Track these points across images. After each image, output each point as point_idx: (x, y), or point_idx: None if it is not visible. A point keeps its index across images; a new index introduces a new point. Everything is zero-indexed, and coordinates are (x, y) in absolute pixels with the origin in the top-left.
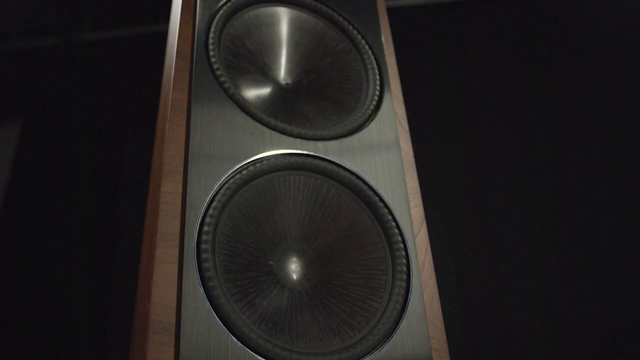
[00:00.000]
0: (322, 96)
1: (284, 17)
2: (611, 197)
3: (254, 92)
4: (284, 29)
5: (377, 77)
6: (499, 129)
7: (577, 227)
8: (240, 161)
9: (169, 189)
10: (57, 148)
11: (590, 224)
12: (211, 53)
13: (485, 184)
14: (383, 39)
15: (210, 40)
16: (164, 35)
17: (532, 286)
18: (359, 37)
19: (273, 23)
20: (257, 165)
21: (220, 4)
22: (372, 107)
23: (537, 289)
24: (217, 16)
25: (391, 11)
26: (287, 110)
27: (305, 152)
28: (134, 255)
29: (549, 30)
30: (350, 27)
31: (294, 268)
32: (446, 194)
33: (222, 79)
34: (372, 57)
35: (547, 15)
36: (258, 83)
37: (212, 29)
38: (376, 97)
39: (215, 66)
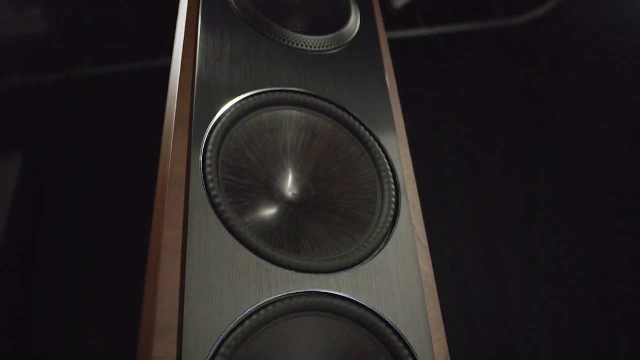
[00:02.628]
0: (332, 209)
1: (288, 121)
2: (614, 208)
3: (257, 214)
4: (289, 133)
5: (393, 186)
6: (505, 160)
7: (585, 257)
8: (242, 310)
9: (161, 352)
10: (58, 183)
11: (597, 249)
12: (209, 177)
13: (489, 207)
14: (398, 139)
15: (208, 162)
16: (165, 70)
17: (543, 327)
18: (372, 139)
19: (277, 128)
20: (262, 312)
21: (219, 115)
22: (387, 224)
23: (549, 336)
24: (215, 131)
25: (394, 43)
26: (293, 233)
27: (315, 290)
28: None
29: (553, 60)
30: (362, 128)
31: None
32: (449, 211)
33: (222, 208)
34: (387, 163)
35: (553, 47)
36: (261, 201)
37: (210, 147)
38: (392, 212)
39: (214, 193)
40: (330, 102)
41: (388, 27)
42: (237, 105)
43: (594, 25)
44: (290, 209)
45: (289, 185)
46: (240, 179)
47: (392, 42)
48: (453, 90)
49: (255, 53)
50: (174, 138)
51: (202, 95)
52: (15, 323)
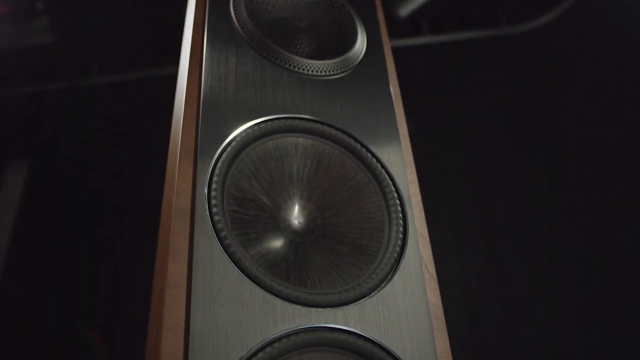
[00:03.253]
0: (338, 239)
1: (294, 148)
2: (617, 214)
3: (263, 245)
4: (295, 161)
5: (400, 215)
6: (509, 169)
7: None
8: (248, 348)
9: None
10: (62, 190)
11: (600, 255)
12: (214, 210)
13: (493, 214)
14: (405, 165)
15: (213, 194)
16: (170, 78)
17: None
18: (379, 166)
19: (282, 156)
20: (267, 350)
21: (224, 145)
22: (395, 254)
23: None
24: (220, 162)
25: (399, 50)
26: (300, 264)
27: (322, 325)
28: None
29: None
30: (369, 155)
31: None
32: (452, 217)
33: (227, 242)
34: (394, 191)
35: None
36: (267, 232)
37: (215, 178)
38: (399, 242)
39: (219, 226)
40: (336, 129)
41: (393, 35)
42: (242, 134)
43: (597, 33)
44: (296, 238)
45: (295, 213)
46: (245, 210)
47: (397, 50)
48: (457, 97)
49: (260, 79)
50: (178, 169)
51: (206, 125)
52: (17, 324)
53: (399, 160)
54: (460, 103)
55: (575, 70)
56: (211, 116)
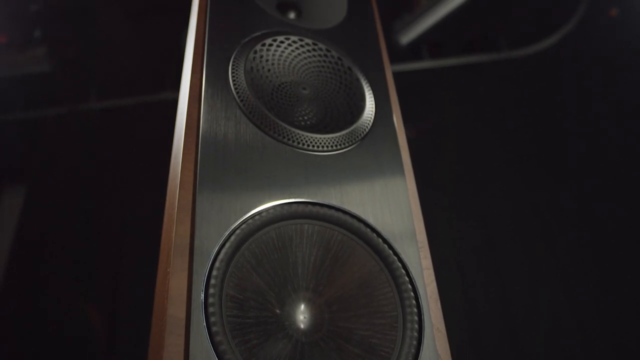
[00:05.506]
0: (347, 337)
1: (299, 236)
2: (617, 225)
3: (266, 353)
4: (299, 250)
5: (415, 309)
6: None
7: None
8: None
9: None
10: (60, 216)
11: (602, 269)
12: (211, 320)
13: (495, 228)
14: (419, 249)
15: (210, 300)
16: (169, 103)
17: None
18: (391, 254)
19: (286, 246)
20: None
21: (222, 240)
22: (410, 356)
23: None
24: (218, 261)
25: (398, 75)
26: None
27: None
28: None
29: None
30: (380, 240)
31: None
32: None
33: (227, 356)
34: (408, 282)
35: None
36: (270, 334)
37: (212, 281)
38: (415, 342)
39: (217, 339)
40: (344, 212)
41: (393, 60)
42: (243, 226)
43: (597, 56)
44: (301, 337)
45: (301, 308)
46: (246, 312)
47: (397, 75)
48: (459, 118)
49: (261, 158)
50: (172, 271)
51: (203, 219)
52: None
53: (412, 245)
54: (461, 123)
55: (577, 92)
56: (208, 204)
